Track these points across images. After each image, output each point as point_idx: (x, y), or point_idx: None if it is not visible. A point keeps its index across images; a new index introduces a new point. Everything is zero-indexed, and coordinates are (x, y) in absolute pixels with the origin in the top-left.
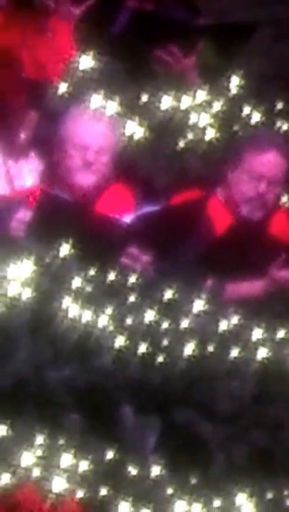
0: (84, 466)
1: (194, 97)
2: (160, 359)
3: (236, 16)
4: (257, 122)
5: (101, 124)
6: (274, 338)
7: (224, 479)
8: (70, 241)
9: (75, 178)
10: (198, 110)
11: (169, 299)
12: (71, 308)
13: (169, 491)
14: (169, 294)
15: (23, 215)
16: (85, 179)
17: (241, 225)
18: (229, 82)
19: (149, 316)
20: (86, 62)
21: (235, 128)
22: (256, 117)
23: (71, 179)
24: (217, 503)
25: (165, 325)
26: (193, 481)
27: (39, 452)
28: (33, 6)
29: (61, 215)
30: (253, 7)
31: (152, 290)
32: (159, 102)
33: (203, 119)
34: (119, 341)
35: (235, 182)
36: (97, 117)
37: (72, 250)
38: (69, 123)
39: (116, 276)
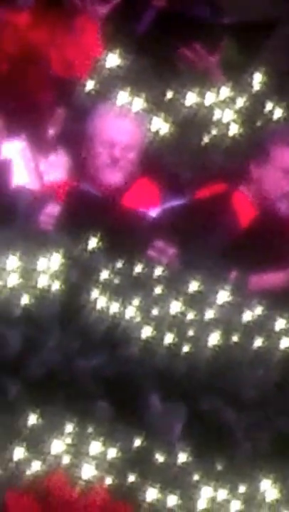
0: (112, 453)
1: (218, 93)
2: (186, 349)
3: (259, 13)
4: (279, 118)
5: (127, 120)
6: None
7: (249, 465)
8: (98, 234)
9: (103, 174)
10: (221, 106)
11: (194, 291)
12: (99, 299)
13: (196, 477)
14: (194, 286)
15: (52, 209)
16: (112, 175)
17: (265, 218)
18: (252, 78)
19: (175, 307)
20: (113, 60)
21: (258, 123)
22: (278, 113)
23: (98, 175)
24: (242, 488)
25: (190, 316)
26: (219, 467)
27: (68, 440)
28: (60, 5)
29: (89, 209)
30: (275, 4)
31: (178, 282)
32: (184, 99)
33: (226, 115)
34: (146, 332)
35: (266, 178)
36: (123, 114)
37: (100, 243)
38: (96, 120)
39: (143, 268)
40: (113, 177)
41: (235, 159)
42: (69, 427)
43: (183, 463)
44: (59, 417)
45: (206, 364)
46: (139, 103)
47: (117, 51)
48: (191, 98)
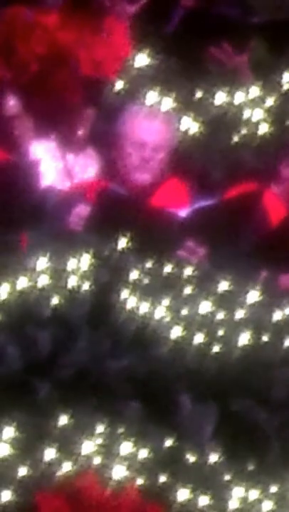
0: (143, 453)
1: (247, 92)
2: (216, 349)
3: (288, 13)
4: None
5: (156, 121)
6: None
7: (280, 465)
8: (128, 234)
9: (132, 174)
10: (251, 106)
11: (224, 291)
12: (129, 300)
13: (227, 477)
14: (224, 286)
15: (82, 209)
16: (142, 175)
17: None
18: (281, 78)
19: (205, 307)
20: (141, 59)
21: (288, 123)
22: None
23: (128, 175)
24: (274, 489)
25: (220, 315)
26: (250, 467)
27: (99, 440)
28: (89, 5)
29: (119, 210)
30: None
31: (208, 282)
32: (213, 98)
33: (256, 115)
34: (176, 332)
35: None
36: (152, 114)
37: (130, 243)
38: (125, 120)
39: (172, 268)
40: (143, 177)
41: (265, 158)
42: (100, 428)
43: (214, 463)
44: (90, 418)
45: (237, 364)
46: (168, 103)
47: (146, 51)
48: (220, 97)
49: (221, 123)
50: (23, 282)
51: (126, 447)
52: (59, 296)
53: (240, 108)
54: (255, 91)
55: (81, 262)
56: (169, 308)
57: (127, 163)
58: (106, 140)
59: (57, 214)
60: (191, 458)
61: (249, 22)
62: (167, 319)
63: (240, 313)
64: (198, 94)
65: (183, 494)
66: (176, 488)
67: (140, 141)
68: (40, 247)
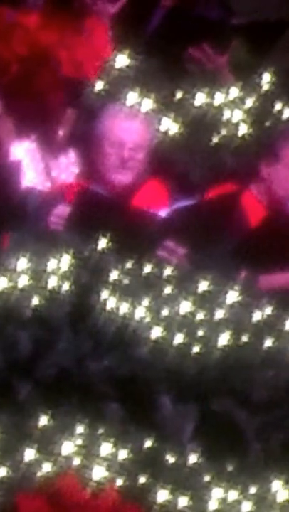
0: (123, 454)
1: (227, 93)
2: (196, 349)
3: (268, 14)
4: (288, 118)
5: (136, 121)
6: None
7: (260, 466)
8: (108, 235)
9: (112, 174)
10: (231, 106)
11: (204, 291)
12: (109, 300)
13: (207, 478)
14: (204, 286)
15: (62, 210)
16: (121, 175)
17: (275, 217)
18: (261, 78)
19: (185, 307)
20: (122, 60)
21: (268, 123)
22: (288, 113)
23: (108, 175)
24: (253, 489)
25: (200, 316)
26: (230, 468)
27: (79, 441)
28: (70, 5)
29: (99, 210)
30: (284, 5)
31: (188, 282)
32: (193, 99)
33: (236, 115)
34: (156, 332)
35: (276, 178)
36: (132, 115)
37: (110, 244)
38: (105, 121)
39: (152, 268)
40: (122, 177)
41: (245, 159)
42: (80, 428)
43: (194, 464)
44: (70, 419)
45: (217, 364)
46: (148, 103)
47: (127, 52)
48: (200, 98)
49: (201, 124)
50: (3, 283)
51: (106, 448)
52: (39, 296)
53: (220, 109)
54: (234, 92)
55: (61, 263)
56: (149, 308)
57: (107, 163)
58: (86, 141)
59: (37, 214)
60: (171, 459)
61: (229, 23)
62: (147, 320)
63: (219, 314)
64: (179, 95)
65: (162, 495)
66: (155, 489)
67: (119, 141)
68: (20, 247)
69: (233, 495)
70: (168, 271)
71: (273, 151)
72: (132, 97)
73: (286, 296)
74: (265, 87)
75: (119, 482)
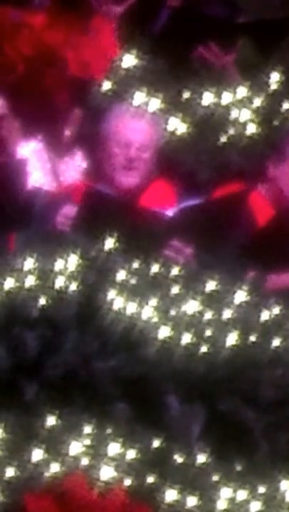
0: (131, 454)
1: (235, 93)
2: (204, 349)
3: (275, 12)
4: None
5: (143, 121)
6: None
7: (268, 466)
8: (115, 235)
9: (118, 174)
10: (238, 106)
11: (211, 290)
12: (116, 300)
13: (215, 478)
14: (211, 286)
15: (69, 210)
16: (128, 175)
17: (283, 217)
18: (269, 78)
19: (193, 306)
20: (129, 60)
21: (275, 123)
22: None
23: (114, 175)
24: (262, 489)
25: (208, 315)
26: (238, 467)
27: (87, 441)
28: (76, 5)
29: (106, 210)
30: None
31: (195, 281)
32: (201, 99)
33: (243, 115)
34: (164, 332)
35: (283, 177)
36: (139, 115)
37: (117, 244)
38: (112, 121)
39: (159, 268)
40: (129, 177)
41: (253, 159)
42: (87, 429)
43: (202, 464)
44: (77, 419)
45: (224, 364)
46: (155, 103)
47: (133, 51)
48: (207, 98)
49: (209, 123)
50: (10, 283)
51: (114, 448)
52: (46, 296)
53: (227, 108)
54: (242, 91)
55: (68, 263)
56: (156, 308)
57: (113, 162)
58: (93, 141)
59: (44, 215)
60: (178, 458)
61: (236, 22)
62: (155, 319)
63: (227, 313)
64: (186, 95)
65: (171, 495)
66: (163, 489)
67: (126, 140)
68: (27, 247)
69: (241, 495)
70: (175, 271)
71: (281, 150)
72: (139, 96)
73: None
74: (273, 86)
75: (127, 482)
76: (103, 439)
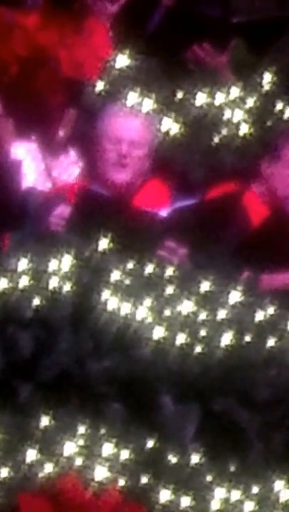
0: (125, 454)
1: (228, 93)
2: (198, 349)
3: (268, 13)
4: None
5: (135, 118)
6: None
7: (262, 466)
8: (109, 235)
9: (112, 172)
10: (232, 106)
11: (206, 291)
12: (110, 300)
13: (209, 478)
14: (205, 286)
15: (63, 210)
16: (120, 172)
17: (277, 217)
18: (262, 78)
19: (187, 307)
20: (122, 60)
21: (269, 123)
22: None
23: (108, 174)
24: (255, 489)
25: (202, 316)
26: (232, 468)
27: (81, 442)
28: (69, 6)
29: (100, 210)
30: (285, 4)
31: (189, 282)
32: (194, 99)
33: (237, 115)
34: (158, 332)
35: (277, 177)
36: (132, 112)
37: (111, 244)
38: (105, 120)
39: (154, 268)
40: (121, 174)
41: (246, 159)
42: (81, 429)
43: (196, 464)
44: (71, 419)
45: (219, 364)
46: (149, 103)
47: (127, 52)
48: (201, 98)
49: (202, 124)
50: (3, 283)
51: (108, 448)
52: (40, 297)
53: (220, 109)
54: (235, 91)
55: (62, 263)
56: (150, 308)
57: (106, 159)
58: (87, 141)
59: (38, 215)
60: (172, 459)
61: (229, 22)
62: (149, 320)
63: (222, 314)
64: (179, 95)
65: (165, 495)
66: (157, 489)
67: (118, 137)
68: (21, 248)
69: (235, 495)
70: (170, 271)
71: (274, 150)
72: (133, 97)
73: (288, 295)
74: (266, 86)
75: (121, 482)
76: (97, 439)
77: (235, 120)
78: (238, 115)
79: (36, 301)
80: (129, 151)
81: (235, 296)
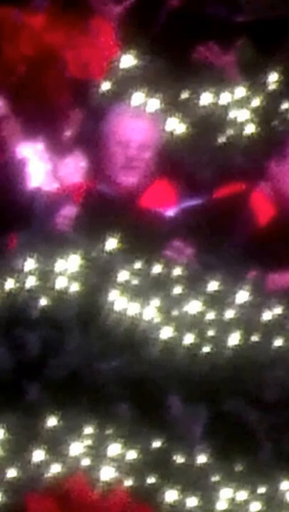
0: (132, 455)
1: (233, 93)
2: (206, 349)
3: (275, 12)
4: None
5: (142, 120)
6: None
7: (269, 466)
8: (116, 235)
9: (118, 174)
10: (237, 106)
11: (213, 290)
12: (118, 301)
13: (216, 478)
14: (213, 286)
15: (69, 210)
16: (128, 175)
17: (284, 217)
18: (267, 78)
19: (195, 307)
20: (128, 60)
21: (274, 123)
22: None
23: (114, 175)
24: (262, 489)
25: (210, 316)
26: (239, 468)
27: (88, 442)
28: (76, 6)
29: (107, 210)
30: None
31: (197, 282)
32: (199, 99)
33: (242, 115)
34: (166, 332)
35: (283, 176)
36: (138, 114)
37: (118, 244)
38: (112, 120)
39: (161, 268)
40: (129, 177)
41: (252, 158)
42: (89, 429)
43: (203, 464)
44: (79, 419)
45: (227, 364)
46: (154, 104)
47: (133, 52)
48: (206, 98)
49: (208, 123)
50: (10, 283)
51: (115, 448)
52: (47, 297)
53: (226, 108)
54: (241, 91)
55: (69, 263)
56: (158, 308)
57: (113, 162)
58: (93, 141)
59: (45, 215)
60: (179, 459)
61: (236, 21)
62: (157, 320)
63: (229, 314)
64: (185, 95)
65: (171, 495)
66: (164, 490)
67: (126, 140)
68: (28, 248)
69: (242, 495)
70: (177, 271)
71: (281, 150)
72: (139, 97)
73: None
74: (272, 86)
75: (128, 483)
76: (104, 439)
77: (241, 120)
78: (244, 115)
79: (43, 302)
80: (137, 154)
81: (242, 296)
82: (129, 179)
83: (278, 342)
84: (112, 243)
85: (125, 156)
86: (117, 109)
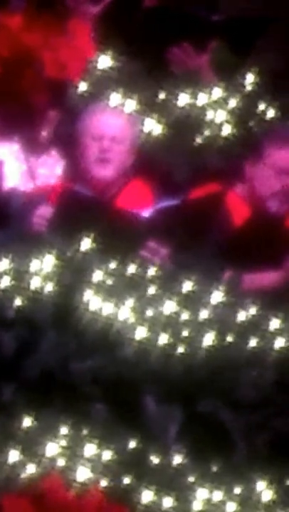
0: (107, 455)
1: (210, 94)
2: (181, 349)
3: (251, 12)
4: (272, 118)
5: (117, 114)
6: None
7: (245, 467)
8: (91, 235)
9: (94, 168)
10: (214, 107)
11: (188, 291)
12: (92, 301)
13: (191, 479)
14: (188, 286)
15: (45, 210)
16: (103, 169)
17: (259, 217)
18: (244, 79)
19: (169, 307)
20: (105, 61)
21: (251, 124)
22: (271, 113)
23: (90, 170)
24: (238, 490)
25: (185, 316)
26: (215, 468)
27: (64, 442)
28: (53, 7)
29: (82, 211)
30: (267, 3)
31: (172, 282)
32: (176, 100)
33: (219, 116)
34: (141, 333)
35: (259, 177)
36: (113, 111)
37: (93, 244)
38: (87, 116)
39: (136, 269)
40: (103, 171)
41: (229, 159)
42: (64, 430)
43: (178, 465)
44: (54, 420)
45: (202, 365)
46: (131, 104)
47: (110, 53)
48: (183, 99)
49: (184, 124)
50: None
51: (90, 449)
52: (22, 297)
53: (203, 109)
54: (218, 92)
55: (44, 263)
56: (133, 309)
57: (88, 157)
58: (70, 141)
59: (20, 215)
60: (155, 459)
61: (210, 21)
62: (131, 320)
63: (204, 314)
64: (162, 96)
65: (147, 496)
66: (140, 490)
67: (99, 133)
68: (2, 248)
69: (217, 495)
70: (152, 271)
71: (257, 151)
72: (115, 98)
73: (270, 295)
74: (249, 87)
75: (104, 483)
76: (79, 440)
77: (217, 121)
78: (221, 116)
79: (18, 302)
80: (110, 146)
81: (217, 297)
82: (103, 173)
83: (253, 342)
84: (87, 243)
85: (98, 149)
86: (92, 108)
